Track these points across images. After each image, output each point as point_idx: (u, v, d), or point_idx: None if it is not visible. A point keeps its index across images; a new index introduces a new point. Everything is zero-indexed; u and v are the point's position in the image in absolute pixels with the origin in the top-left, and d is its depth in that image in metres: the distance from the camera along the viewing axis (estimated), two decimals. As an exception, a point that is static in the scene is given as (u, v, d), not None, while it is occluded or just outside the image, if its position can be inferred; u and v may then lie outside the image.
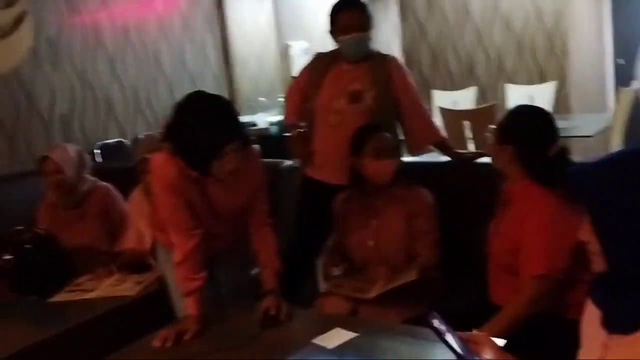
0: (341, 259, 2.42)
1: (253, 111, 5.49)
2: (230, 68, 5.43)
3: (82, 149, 3.03)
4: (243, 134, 1.99)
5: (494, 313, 1.86)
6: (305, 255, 2.82)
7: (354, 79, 2.63)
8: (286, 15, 6.07)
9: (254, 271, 2.35)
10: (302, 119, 2.71)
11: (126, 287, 2.52)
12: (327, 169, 2.66)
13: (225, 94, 5.18)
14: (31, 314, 2.40)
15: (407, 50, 6.49)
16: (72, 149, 2.91)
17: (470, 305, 2.03)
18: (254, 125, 5.10)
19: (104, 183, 2.99)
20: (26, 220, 2.97)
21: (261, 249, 2.16)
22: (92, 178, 2.97)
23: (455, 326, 1.33)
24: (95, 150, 4.24)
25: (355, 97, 2.60)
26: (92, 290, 2.51)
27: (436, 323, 1.29)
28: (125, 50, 4.50)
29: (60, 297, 2.48)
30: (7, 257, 2.51)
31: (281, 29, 5.99)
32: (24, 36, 3.85)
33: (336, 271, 2.40)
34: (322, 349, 1.74)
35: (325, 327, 1.86)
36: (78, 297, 2.47)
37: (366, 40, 2.63)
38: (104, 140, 4.33)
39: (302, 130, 2.64)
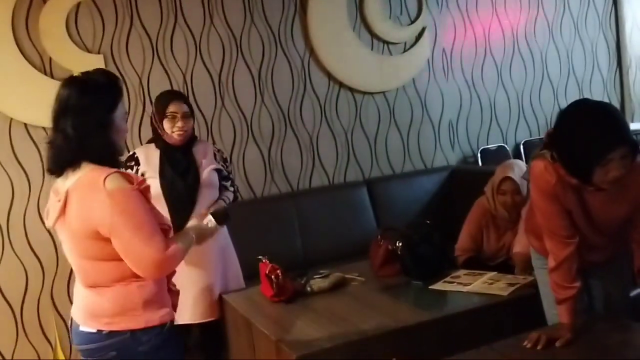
0: None
1: (647, 118, 5.01)
2: (623, 71, 5.05)
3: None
4: (631, 141, 1.87)
5: None
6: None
7: None
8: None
9: (634, 292, 2.22)
10: None
11: (499, 286, 2.65)
12: None
13: (614, 99, 4.86)
14: (416, 296, 2.73)
15: None
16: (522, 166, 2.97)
17: None
18: (646, 133, 4.66)
19: None
20: (416, 214, 3.38)
21: (644, 268, 2.04)
22: None
23: None
24: (477, 154, 4.50)
25: None
26: (467, 285, 2.72)
27: None
28: (512, 57, 4.63)
29: (439, 286, 2.75)
30: (399, 244, 2.91)
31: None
32: (423, 49, 4.32)
33: None
34: None
35: None
36: (455, 289, 2.71)
37: None
38: (485, 145, 4.55)
39: None
